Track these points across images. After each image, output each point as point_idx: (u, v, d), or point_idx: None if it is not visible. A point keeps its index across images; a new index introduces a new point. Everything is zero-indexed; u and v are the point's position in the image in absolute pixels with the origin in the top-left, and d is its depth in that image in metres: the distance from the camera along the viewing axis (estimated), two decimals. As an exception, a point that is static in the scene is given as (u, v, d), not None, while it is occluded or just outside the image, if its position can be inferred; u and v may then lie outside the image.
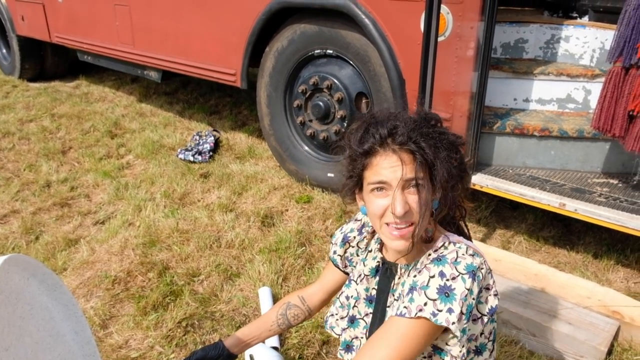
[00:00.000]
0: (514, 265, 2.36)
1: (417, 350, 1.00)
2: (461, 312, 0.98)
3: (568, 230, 2.81)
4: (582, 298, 2.14)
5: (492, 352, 1.17)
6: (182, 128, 4.47)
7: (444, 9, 2.33)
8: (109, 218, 3.03)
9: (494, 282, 1.09)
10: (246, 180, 3.37)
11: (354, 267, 1.36)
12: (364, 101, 2.95)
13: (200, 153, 3.79)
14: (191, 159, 3.74)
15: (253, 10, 3.15)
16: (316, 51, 3.03)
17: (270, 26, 3.16)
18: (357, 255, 1.35)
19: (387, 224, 1.07)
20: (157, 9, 3.88)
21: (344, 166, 1.15)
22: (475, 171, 2.57)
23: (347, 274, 1.40)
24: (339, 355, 1.33)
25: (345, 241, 1.37)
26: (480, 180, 2.53)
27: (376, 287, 1.25)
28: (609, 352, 1.95)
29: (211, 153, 3.84)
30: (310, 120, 3.20)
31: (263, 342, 1.62)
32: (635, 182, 2.50)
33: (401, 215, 1.03)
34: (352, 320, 1.29)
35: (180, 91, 5.53)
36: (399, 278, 1.17)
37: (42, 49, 5.86)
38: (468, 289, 1.00)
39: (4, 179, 3.57)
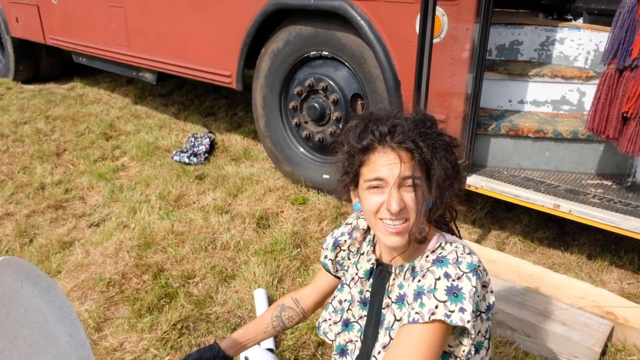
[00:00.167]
0: (509, 266, 2.36)
1: (437, 354, 1.00)
2: (472, 311, 1.00)
3: (562, 232, 2.82)
4: (577, 299, 2.15)
5: (488, 350, 1.17)
6: (178, 130, 4.46)
7: (439, 10, 2.33)
8: (103, 220, 3.02)
9: (489, 279, 1.10)
10: (241, 182, 3.37)
11: (346, 271, 1.36)
12: (359, 102, 2.95)
13: (195, 155, 3.78)
14: (186, 160, 3.73)
15: (248, 11, 3.15)
16: (312, 53, 3.03)
17: (265, 28, 3.16)
18: (349, 259, 1.35)
19: (382, 220, 1.07)
20: (152, 11, 3.87)
21: (340, 162, 1.15)
22: (470, 172, 2.58)
23: (339, 278, 1.40)
24: (333, 360, 1.32)
25: (336, 245, 1.37)
26: (475, 182, 2.54)
27: (370, 290, 1.25)
28: (603, 353, 1.96)
29: (206, 155, 3.83)
30: (306, 122, 3.20)
31: (258, 344, 1.61)
32: (629, 184, 2.51)
33: (396, 212, 1.03)
34: (347, 324, 1.29)
35: (176, 93, 5.52)
36: (394, 279, 1.17)
37: (37, 50, 5.84)
38: (474, 287, 1.01)
39: (-2, 181, 3.56)
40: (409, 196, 1.05)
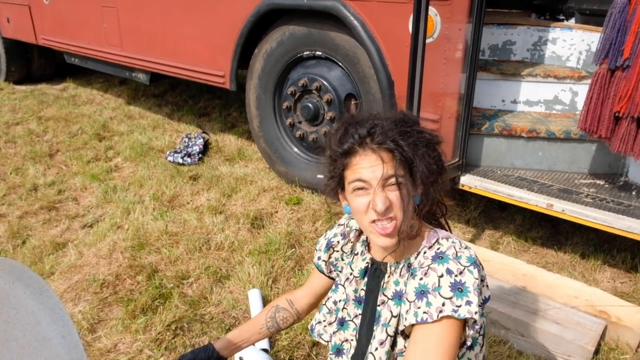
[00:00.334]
0: (503, 265, 2.37)
1: (453, 350, 1.01)
2: (478, 302, 1.01)
3: (556, 231, 2.83)
4: (570, 298, 2.16)
5: (482, 347, 1.18)
6: (171, 130, 4.45)
7: (432, 10, 2.34)
8: (97, 221, 3.01)
9: (485, 273, 1.11)
10: (236, 182, 3.36)
11: (340, 271, 1.36)
12: (353, 102, 2.96)
13: (189, 155, 3.77)
14: (180, 161, 3.72)
15: (242, 11, 3.14)
16: (305, 53, 3.03)
17: (259, 28, 3.16)
18: (342, 260, 1.36)
19: (372, 222, 1.08)
20: (145, 11, 3.86)
21: (325, 167, 1.16)
22: (464, 172, 2.59)
23: (333, 279, 1.40)
24: (329, 360, 1.33)
25: (330, 246, 1.37)
26: (468, 181, 2.55)
27: (365, 288, 1.25)
28: (596, 352, 1.97)
29: (200, 155, 3.82)
30: (300, 122, 3.20)
31: (253, 344, 1.61)
32: (621, 183, 2.53)
33: (382, 211, 1.04)
34: (342, 323, 1.29)
35: (169, 93, 5.50)
36: (389, 276, 1.18)
37: (29, 51, 5.81)
38: (477, 279, 1.03)
39: (-10, 182, 3.53)
40: (393, 195, 1.06)
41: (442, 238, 1.11)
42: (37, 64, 5.96)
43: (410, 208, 1.08)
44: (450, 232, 1.27)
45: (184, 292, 2.33)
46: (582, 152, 2.59)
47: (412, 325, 1.03)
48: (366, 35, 2.63)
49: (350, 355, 1.27)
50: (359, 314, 1.26)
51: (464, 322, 1.05)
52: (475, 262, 1.06)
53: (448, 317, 1.00)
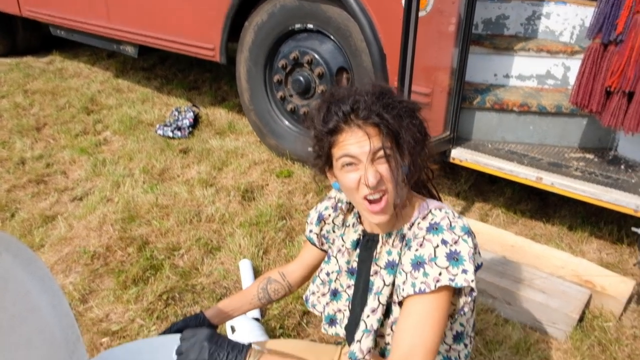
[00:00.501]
0: (492, 237, 2.40)
1: (446, 317, 1.03)
2: (474, 269, 1.03)
3: (544, 204, 2.87)
4: (556, 268, 2.20)
5: (473, 312, 1.20)
6: (161, 104, 4.40)
7: (425, -18, 2.31)
8: (86, 194, 2.99)
9: (477, 241, 1.13)
10: (226, 156, 3.35)
11: (332, 244, 1.36)
12: (344, 76, 2.93)
13: (179, 129, 3.74)
14: (170, 134, 3.69)
15: (232, -18, 3.08)
16: (296, 26, 2.99)
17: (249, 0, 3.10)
18: (334, 232, 1.36)
19: (364, 199, 1.08)
20: (133, -19, 3.77)
21: (311, 147, 1.15)
22: (455, 145, 2.60)
23: (325, 251, 1.41)
24: (323, 330, 1.34)
25: (321, 219, 1.37)
26: (459, 155, 2.56)
27: (357, 259, 1.26)
28: (581, 319, 2.02)
29: (190, 129, 3.79)
30: (291, 96, 3.18)
31: (244, 314, 1.62)
32: (610, 157, 2.55)
33: (374, 185, 1.05)
34: (335, 294, 1.30)
35: (158, 66, 5.42)
36: (382, 247, 1.18)
37: (13, 23, 5.66)
38: (471, 247, 1.04)
39: (-24, 155, 3.49)
40: (383, 168, 1.06)
41: (435, 209, 1.12)
42: (22, 36, 5.82)
43: (400, 179, 1.08)
44: (438, 197, 1.28)
45: (175, 263, 2.34)
46: (573, 126, 2.61)
47: (410, 295, 1.04)
48: (358, 8, 2.60)
49: (343, 325, 1.29)
50: (352, 285, 1.27)
51: (455, 290, 1.07)
52: (469, 231, 1.07)
53: (444, 286, 1.02)
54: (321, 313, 1.35)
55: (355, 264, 1.26)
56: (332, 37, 2.90)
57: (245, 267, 2.23)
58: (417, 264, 1.05)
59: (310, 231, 1.40)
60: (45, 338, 1.16)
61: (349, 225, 1.30)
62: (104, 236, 2.51)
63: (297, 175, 3.09)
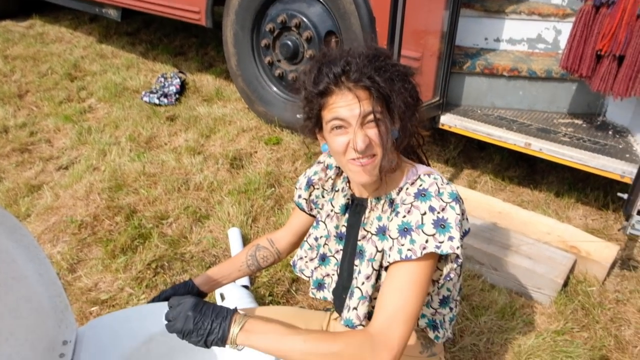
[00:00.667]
0: (479, 203, 2.42)
1: (428, 282, 1.05)
2: (460, 236, 1.04)
3: (532, 170, 2.88)
4: (543, 234, 2.22)
5: (459, 277, 1.22)
6: (146, 70, 4.30)
7: (416, -58, 2.24)
8: (72, 163, 2.95)
9: (465, 207, 1.13)
10: (214, 123, 3.31)
11: (320, 209, 1.36)
12: (333, 40, 2.88)
13: (165, 95, 3.67)
14: (156, 101, 3.62)
15: (216, -58, 2.97)
16: (284, -13, 2.91)
17: (235, -40, 3.01)
18: (323, 197, 1.36)
19: (352, 160, 1.07)
20: (113, -60, 3.63)
21: (301, 107, 1.13)
22: (444, 111, 2.58)
23: (314, 216, 1.40)
24: (311, 294, 1.35)
25: (310, 184, 1.36)
26: (448, 121, 2.54)
27: (346, 224, 1.26)
28: (565, 284, 2.05)
29: (177, 95, 3.73)
30: (279, 60, 3.12)
31: (233, 282, 1.63)
32: (599, 123, 2.55)
33: (362, 149, 1.04)
34: (323, 259, 1.31)
35: (143, 31, 5.28)
36: (370, 212, 1.18)
37: (-10, -16, 5.46)
38: (458, 214, 1.04)
39: (-43, 123, 3.41)
40: (372, 132, 1.05)
41: (424, 174, 1.11)
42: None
43: (390, 144, 1.07)
44: (427, 162, 1.27)
45: (164, 231, 2.33)
46: (563, 91, 2.59)
47: (396, 261, 1.04)
48: (347, -32, 2.53)
49: (331, 290, 1.30)
50: (340, 250, 1.27)
51: (440, 256, 1.07)
52: (457, 198, 1.07)
53: (430, 253, 1.02)
54: (309, 278, 1.35)
55: (344, 229, 1.26)
56: None
57: (234, 235, 2.23)
58: (404, 230, 1.05)
59: (299, 196, 1.39)
60: (32, 307, 1.16)
61: (338, 190, 1.29)
62: (91, 205, 2.49)
63: (285, 142, 3.06)
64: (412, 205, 1.06)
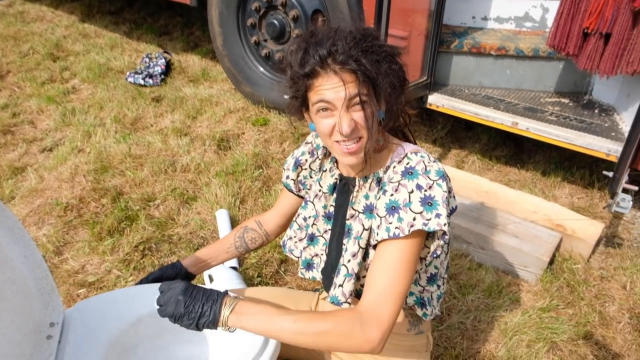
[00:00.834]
0: (467, 183, 2.43)
1: (416, 259, 1.06)
2: (447, 213, 1.05)
3: (519, 150, 2.89)
4: (529, 213, 2.24)
5: (447, 254, 1.23)
6: (130, 50, 4.23)
7: None
8: (56, 145, 2.90)
9: (452, 185, 1.14)
10: (200, 104, 3.27)
11: (309, 189, 1.36)
12: (320, 19, 2.84)
13: (151, 76, 3.61)
14: (141, 82, 3.57)
15: None
16: (270, -36, 2.85)
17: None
18: (311, 177, 1.35)
19: (337, 142, 1.07)
20: None
21: (287, 87, 1.12)
22: (432, 91, 2.57)
23: (302, 197, 1.40)
24: (300, 274, 1.35)
25: (297, 165, 1.36)
26: (436, 100, 2.54)
27: (334, 204, 1.26)
28: (551, 262, 2.08)
29: (163, 76, 3.67)
30: (265, 40, 3.08)
31: (222, 263, 1.63)
32: (585, 101, 2.56)
33: (348, 133, 1.03)
34: (312, 239, 1.31)
35: (126, 10, 5.18)
36: (358, 191, 1.18)
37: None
38: (445, 191, 1.05)
39: (-63, 105, 3.33)
40: (358, 115, 1.04)
41: (411, 152, 1.11)
42: (-22, -23, 5.47)
43: (376, 126, 1.06)
44: (414, 141, 1.27)
45: (151, 213, 2.32)
46: (550, 70, 2.59)
47: (384, 240, 1.04)
48: (334, -55, 2.49)
49: (320, 269, 1.30)
50: (329, 229, 1.28)
51: (428, 233, 1.08)
52: (444, 175, 1.07)
53: (418, 230, 1.03)
54: (298, 258, 1.36)
55: (332, 209, 1.26)
56: (307, -23, 2.78)
57: (222, 217, 2.22)
58: (392, 208, 1.05)
59: (287, 177, 1.39)
60: (17, 289, 1.14)
61: (326, 169, 1.29)
62: (76, 187, 2.46)
63: (273, 123, 3.04)
64: (399, 183, 1.06)
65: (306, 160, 1.35)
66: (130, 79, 3.59)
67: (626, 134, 2.03)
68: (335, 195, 1.26)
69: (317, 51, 1.02)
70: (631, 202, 2.03)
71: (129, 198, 2.38)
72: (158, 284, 1.10)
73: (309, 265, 1.34)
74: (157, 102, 3.35)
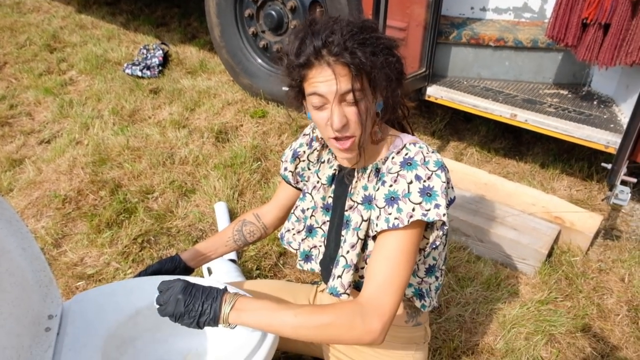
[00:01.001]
0: (465, 175, 2.43)
1: (416, 250, 1.06)
2: (446, 204, 1.05)
3: (518, 142, 2.89)
4: (528, 205, 2.24)
5: (445, 246, 1.23)
6: (128, 41, 4.20)
7: None
8: (54, 137, 2.89)
9: (450, 175, 1.13)
10: (198, 96, 3.26)
11: (307, 181, 1.35)
12: (318, 10, 2.82)
13: (148, 68, 3.60)
14: (139, 74, 3.55)
15: None
16: (268, -45, 2.83)
17: None
18: (309, 169, 1.35)
19: (331, 138, 1.07)
20: None
21: (284, 75, 1.11)
22: (431, 83, 2.56)
23: (300, 189, 1.40)
24: (298, 266, 1.35)
25: (295, 157, 1.35)
26: (434, 92, 2.53)
27: (332, 195, 1.26)
28: (549, 255, 2.08)
29: (160, 68, 3.65)
30: (263, 31, 3.06)
31: (220, 257, 1.63)
32: (584, 93, 2.56)
33: (339, 129, 1.03)
34: (310, 230, 1.30)
35: (123, 1, 5.14)
36: (357, 182, 1.18)
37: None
38: (444, 182, 1.05)
39: None
40: (350, 110, 1.03)
41: (410, 143, 1.11)
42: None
43: (370, 122, 1.06)
44: (412, 133, 1.27)
45: (149, 206, 2.31)
46: (548, 61, 2.58)
47: (384, 230, 1.04)
48: None
49: (318, 261, 1.30)
50: (327, 221, 1.27)
51: (427, 224, 1.08)
52: (442, 166, 1.07)
53: (417, 221, 1.03)
54: (296, 250, 1.36)
55: (330, 200, 1.26)
56: (305, -32, 2.76)
57: (220, 210, 2.22)
58: (391, 199, 1.05)
59: (285, 169, 1.38)
60: (15, 281, 1.14)
61: (324, 161, 1.29)
62: (74, 180, 2.46)
63: (271, 115, 3.03)
64: (398, 174, 1.06)
65: (304, 152, 1.35)
66: (128, 71, 3.58)
67: (625, 126, 2.03)
68: (333, 186, 1.26)
69: (313, 42, 1.01)
70: (630, 195, 2.03)
71: (128, 190, 2.38)
72: (156, 277, 1.10)
73: (307, 257, 1.34)
74: (154, 94, 3.34)
